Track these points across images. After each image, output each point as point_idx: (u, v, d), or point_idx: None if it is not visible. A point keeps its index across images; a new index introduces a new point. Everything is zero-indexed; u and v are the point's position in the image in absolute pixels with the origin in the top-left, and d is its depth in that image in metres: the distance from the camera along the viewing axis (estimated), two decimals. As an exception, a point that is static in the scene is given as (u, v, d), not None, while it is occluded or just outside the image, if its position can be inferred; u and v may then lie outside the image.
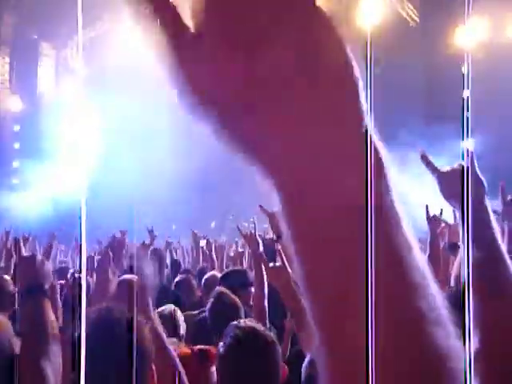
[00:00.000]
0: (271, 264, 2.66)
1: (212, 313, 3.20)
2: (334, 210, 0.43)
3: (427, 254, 3.25)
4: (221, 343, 1.96)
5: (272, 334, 1.99)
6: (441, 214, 3.47)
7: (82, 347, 0.79)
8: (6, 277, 3.74)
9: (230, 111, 0.44)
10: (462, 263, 2.84)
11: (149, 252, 4.10)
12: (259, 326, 2.01)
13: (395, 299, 0.42)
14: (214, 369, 2.45)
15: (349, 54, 0.45)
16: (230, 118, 0.44)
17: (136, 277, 2.97)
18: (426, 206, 3.47)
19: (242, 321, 2.11)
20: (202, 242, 6.91)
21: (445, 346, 0.41)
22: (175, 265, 6.25)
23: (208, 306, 3.26)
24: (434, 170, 1.64)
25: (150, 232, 5.89)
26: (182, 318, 3.14)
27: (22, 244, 2.07)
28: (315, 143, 0.43)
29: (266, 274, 2.80)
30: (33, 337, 1.85)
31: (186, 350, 2.60)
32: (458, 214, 3.02)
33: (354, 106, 0.44)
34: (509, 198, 2.96)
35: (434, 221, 3.54)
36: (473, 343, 1.35)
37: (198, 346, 2.66)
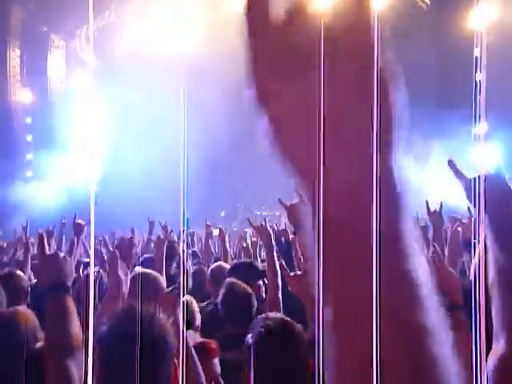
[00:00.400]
0: (292, 273, 2.66)
1: (224, 304, 3.21)
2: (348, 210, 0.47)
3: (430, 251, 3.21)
4: (249, 334, 1.99)
5: (299, 325, 2.00)
6: (440, 208, 3.44)
7: (90, 340, 0.80)
8: (20, 272, 3.79)
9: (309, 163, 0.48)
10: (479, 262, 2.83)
11: (164, 246, 4.12)
12: (286, 317, 2.05)
13: (396, 310, 0.47)
14: (215, 361, 2.47)
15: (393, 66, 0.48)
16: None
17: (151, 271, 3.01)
18: (426, 202, 3.44)
19: (270, 313, 2.14)
20: (216, 232, 6.83)
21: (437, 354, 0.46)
22: (193, 256, 6.20)
23: (220, 297, 3.26)
24: (461, 176, 1.66)
25: (164, 227, 5.88)
26: (198, 308, 3.15)
27: (45, 240, 2.08)
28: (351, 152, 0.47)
29: (287, 282, 2.79)
30: (57, 336, 1.88)
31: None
32: (472, 212, 3.05)
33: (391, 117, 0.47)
34: None
35: (434, 215, 3.52)
36: (499, 346, 1.33)
37: (199, 340, 2.67)
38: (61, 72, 17.46)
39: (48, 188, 14.58)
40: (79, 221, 4.85)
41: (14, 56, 16.38)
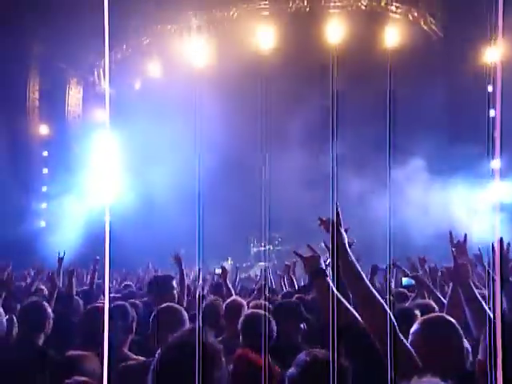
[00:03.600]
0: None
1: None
2: None
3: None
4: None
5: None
6: (465, 240, 3.35)
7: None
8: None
9: None
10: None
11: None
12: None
13: None
14: None
15: None
16: None
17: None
18: (450, 233, 3.36)
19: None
20: (218, 271, 6.89)
21: None
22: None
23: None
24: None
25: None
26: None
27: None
28: None
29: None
30: None
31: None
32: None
33: None
34: None
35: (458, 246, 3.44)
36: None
37: None
38: (78, 106, 17.85)
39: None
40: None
41: (34, 90, 16.81)
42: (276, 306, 3.94)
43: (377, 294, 2.16)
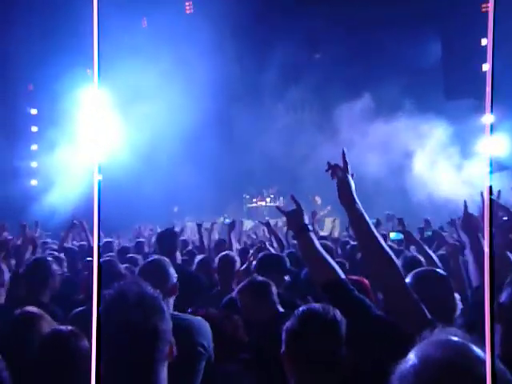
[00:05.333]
0: None
1: None
2: None
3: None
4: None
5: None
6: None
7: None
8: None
9: None
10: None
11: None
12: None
13: None
14: None
15: None
16: None
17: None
18: (465, 202, 3.35)
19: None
20: (227, 220, 7.04)
21: None
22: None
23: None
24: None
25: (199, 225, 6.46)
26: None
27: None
28: None
29: None
30: None
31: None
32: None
33: None
34: None
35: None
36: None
37: None
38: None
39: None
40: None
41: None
42: (259, 259, 3.98)
43: (386, 247, 2.11)
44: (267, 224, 6.60)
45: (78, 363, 2.07)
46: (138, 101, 14.34)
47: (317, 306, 2.02)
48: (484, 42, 11.36)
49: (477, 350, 0.96)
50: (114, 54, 11.72)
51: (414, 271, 2.54)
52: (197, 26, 14.06)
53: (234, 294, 3.33)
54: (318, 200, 16.76)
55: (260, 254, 4.15)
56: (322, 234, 8.12)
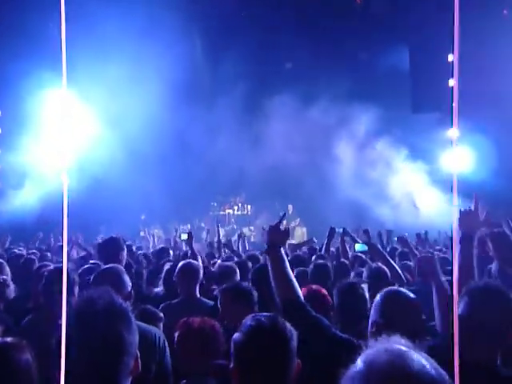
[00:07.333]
0: None
1: None
2: None
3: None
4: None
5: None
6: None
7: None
8: None
9: None
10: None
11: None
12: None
13: None
14: None
15: None
16: None
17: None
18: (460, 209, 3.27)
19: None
20: (184, 236, 6.92)
21: None
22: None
23: None
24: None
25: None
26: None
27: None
28: None
29: None
30: None
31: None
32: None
33: None
34: None
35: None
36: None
37: None
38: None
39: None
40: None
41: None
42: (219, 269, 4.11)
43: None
44: (189, 234, 6.34)
45: (18, 377, 1.96)
46: (110, 102, 14.01)
47: (264, 317, 1.94)
48: (451, 57, 11.65)
49: (417, 355, 1.04)
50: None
51: (384, 290, 2.52)
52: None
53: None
54: (290, 208, 16.92)
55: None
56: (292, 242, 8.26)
